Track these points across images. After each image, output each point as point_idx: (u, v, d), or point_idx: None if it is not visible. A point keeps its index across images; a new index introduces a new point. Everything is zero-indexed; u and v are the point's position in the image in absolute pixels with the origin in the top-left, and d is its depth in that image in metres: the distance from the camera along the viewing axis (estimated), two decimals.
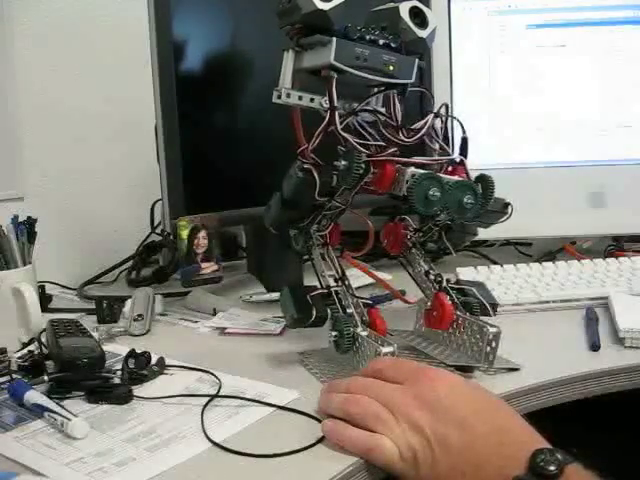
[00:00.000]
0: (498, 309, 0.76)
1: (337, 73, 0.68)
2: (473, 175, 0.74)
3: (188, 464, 0.55)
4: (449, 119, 0.77)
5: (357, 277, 0.91)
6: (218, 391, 0.68)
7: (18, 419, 0.63)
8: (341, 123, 0.69)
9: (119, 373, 0.72)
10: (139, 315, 0.91)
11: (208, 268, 0.96)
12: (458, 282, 0.79)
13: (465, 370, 0.71)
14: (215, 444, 0.58)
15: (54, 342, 0.75)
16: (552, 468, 0.48)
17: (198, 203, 0.97)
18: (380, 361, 0.63)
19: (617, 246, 1.21)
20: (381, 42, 0.70)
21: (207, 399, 0.66)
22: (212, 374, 0.72)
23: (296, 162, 0.71)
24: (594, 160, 1.17)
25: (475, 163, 0.78)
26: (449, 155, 0.75)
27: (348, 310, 0.72)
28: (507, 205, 0.78)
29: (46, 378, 0.69)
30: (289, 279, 1.02)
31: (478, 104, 1.18)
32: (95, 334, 0.83)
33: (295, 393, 0.67)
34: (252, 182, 1.00)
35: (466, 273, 1.02)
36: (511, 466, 0.50)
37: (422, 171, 0.69)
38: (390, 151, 0.70)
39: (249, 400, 0.66)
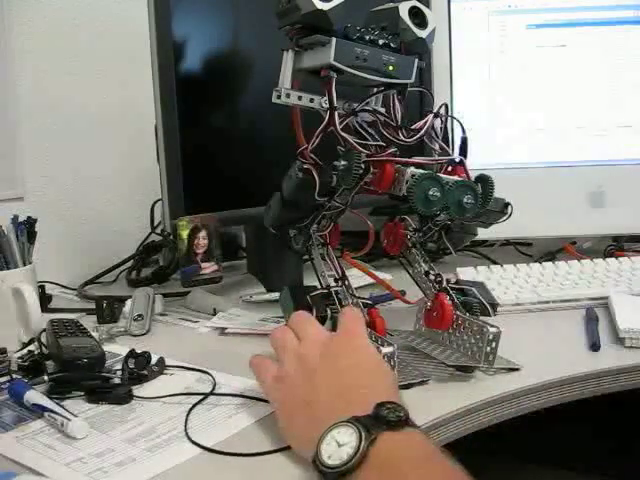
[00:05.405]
0: (498, 309, 0.76)
1: (337, 73, 0.68)
2: (473, 175, 0.74)
3: (188, 464, 0.55)
4: (449, 119, 0.77)
5: (357, 277, 0.91)
6: (213, 389, 0.68)
7: (18, 419, 0.63)
8: (341, 123, 0.69)
9: (119, 373, 0.72)
10: (139, 315, 0.91)
11: (208, 268, 0.96)
12: (458, 282, 0.79)
13: (465, 370, 0.71)
14: (204, 448, 0.57)
15: (54, 342, 0.75)
16: (394, 417, 0.48)
17: (198, 203, 0.97)
18: (297, 315, 0.67)
19: (617, 246, 1.21)
20: (381, 42, 0.70)
21: (207, 399, 0.66)
22: (211, 375, 0.72)
23: (296, 162, 0.71)
24: (594, 160, 1.17)
25: (475, 163, 0.78)
26: (449, 155, 0.75)
27: None
28: (507, 205, 0.78)
29: (46, 378, 0.69)
30: (289, 279, 1.03)
31: (478, 104, 1.18)
32: (95, 334, 0.83)
33: None
34: (252, 182, 1.01)
35: (466, 273, 1.02)
36: (354, 410, 0.50)
37: (422, 171, 0.69)
38: (390, 151, 0.70)
39: (249, 399, 0.66)
